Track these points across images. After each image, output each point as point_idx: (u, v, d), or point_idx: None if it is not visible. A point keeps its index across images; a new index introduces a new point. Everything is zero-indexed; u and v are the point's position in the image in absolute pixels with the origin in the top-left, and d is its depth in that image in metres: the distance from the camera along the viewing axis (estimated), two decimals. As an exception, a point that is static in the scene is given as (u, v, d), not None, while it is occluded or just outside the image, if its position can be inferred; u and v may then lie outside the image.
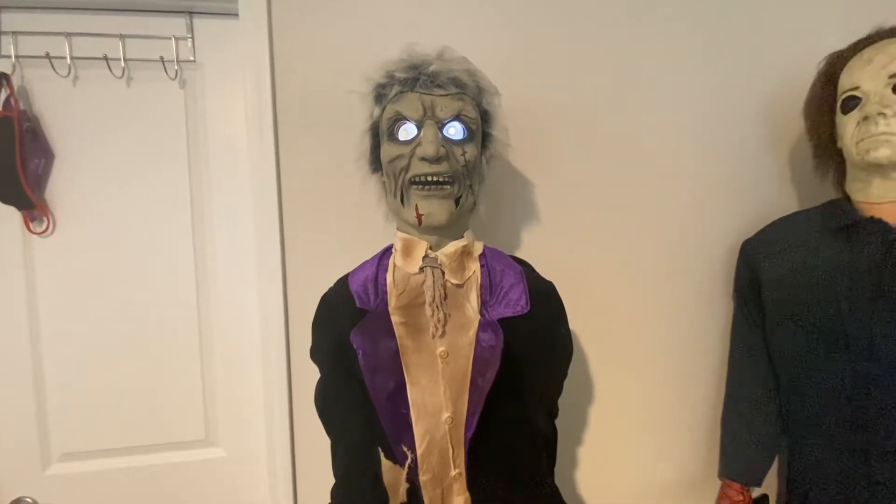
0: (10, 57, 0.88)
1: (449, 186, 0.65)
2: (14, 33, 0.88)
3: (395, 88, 0.66)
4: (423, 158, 0.63)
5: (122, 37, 0.91)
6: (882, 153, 0.74)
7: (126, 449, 0.97)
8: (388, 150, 0.67)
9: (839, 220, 0.82)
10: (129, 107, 0.94)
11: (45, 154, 0.91)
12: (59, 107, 0.92)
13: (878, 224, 0.77)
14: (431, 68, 0.64)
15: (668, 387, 1.06)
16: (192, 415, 0.99)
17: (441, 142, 0.64)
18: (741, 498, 0.97)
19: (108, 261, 0.95)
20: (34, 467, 0.94)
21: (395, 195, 0.68)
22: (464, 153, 0.66)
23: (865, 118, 0.76)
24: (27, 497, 0.94)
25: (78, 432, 0.96)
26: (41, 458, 0.95)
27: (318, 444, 0.93)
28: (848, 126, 0.79)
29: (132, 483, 0.98)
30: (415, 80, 0.65)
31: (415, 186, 0.65)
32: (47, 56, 0.88)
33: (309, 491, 0.96)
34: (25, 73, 0.90)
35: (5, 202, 0.88)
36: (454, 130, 0.66)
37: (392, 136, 0.66)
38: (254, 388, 0.99)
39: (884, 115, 0.73)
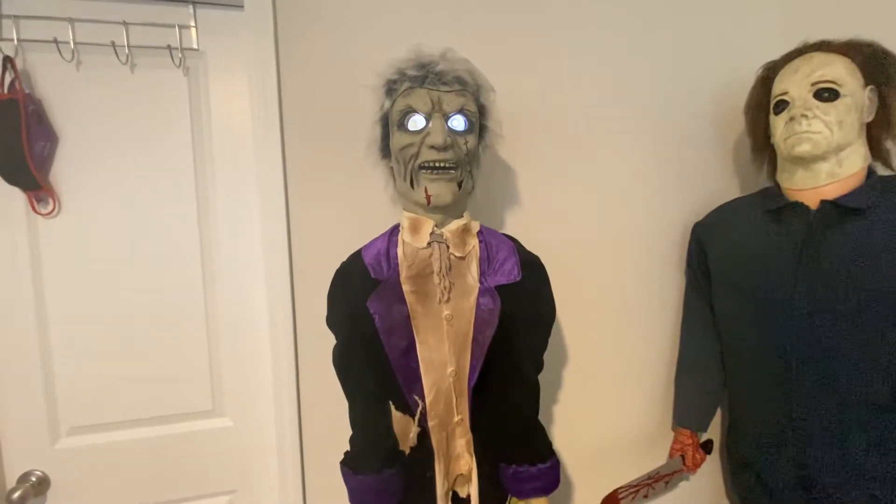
0: (12, 40, 0.89)
1: (453, 171, 0.75)
2: (15, 17, 0.90)
3: (406, 84, 0.74)
4: (431, 147, 0.73)
5: (125, 24, 0.94)
6: (804, 148, 0.88)
7: (134, 421, 1.01)
8: (399, 139, 0.76)
9: (770, 203, 0.98)
10: (132, 92, 0.97)
11: (50, 137, 0.93)
12: (62, 91, 0.93)
13: (800, 207, 0.93)
14: (438, 67, 0.73)
15: (631, 349, 1.21)
16: (199, 385, 1.04)
17: (447, 132, 0.73)
18: (690, 442, 1.14)
19: (114, 239, 0.98)
20: (43, 441, 0.97)
21: (404, 179, 0.77)
22: (465, 143, 0.76)
23: (792, 118, 0.90)
24: (37, 471, 0.97)
25: (86, 406, 0.99)
26: (50, 432, 0.97)
27: (324, 412, 1.02)
28: (778, 125, 0.94)
29: (141, 455, 1.02)
30: (423, 77, 0.74)
31: (424, 171, 0.74)
32: (54, 41, 0.90)
33: (316, 459, 1.03)
34: (28, 58, 0.92)
35: (11, 183, 0.90)
36: (458, 122, 0.75)
37: (403, 126, 0.75)
38: (260, 357, 1.05)
39: (806, 116, 0.88)
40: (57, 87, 0.93)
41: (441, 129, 0.72)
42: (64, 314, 0.97)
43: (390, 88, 0.76)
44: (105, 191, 0.97)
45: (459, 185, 0.77)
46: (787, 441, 0.94)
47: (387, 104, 0.77)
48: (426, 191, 0.74)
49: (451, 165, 0.74)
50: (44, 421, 0.97)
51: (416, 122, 0.74)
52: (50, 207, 0.95)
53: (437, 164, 0.73)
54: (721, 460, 1.24)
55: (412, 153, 0.74)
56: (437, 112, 0.74)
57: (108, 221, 0.97)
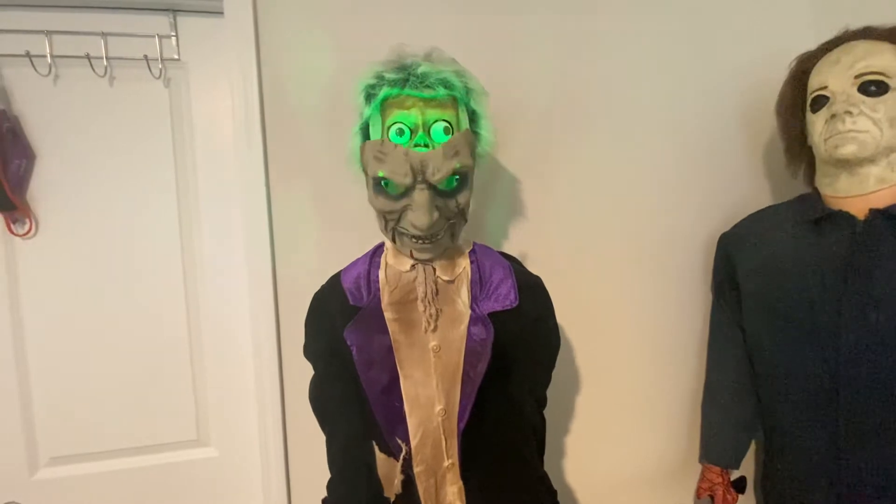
0: (-14, 55, 0.87)
1: (440, 236, 0.66)
2: (-10, 31, 0.87)
3: (385, 88, 0.67)
4: (414, 226, 0.63)
5: (104, 35, 0.90)
6: (849, 149, 0.77)
7: (116, 451, 0.97)
8: (377, 202, 0.67)
9: (809, 213, 0.86)
10: (112, 106, 0.93)
11: (27, 155, 0.89)
12: (39, 106, 0.90)
13: (845, 217, 0.81)
14: (421, 69, 0.65)
15: (651, 376, 1.10)
16: (183, 415, 0.99)
17: (434, 208, 0.63)
18: (720, 480, 1.02)
19: (94, 262, 0.94)
20: (21, 472, 0.93)
21: (384, 231, 0.69)
22: (457, 204, 0.67)
23: (833, 116, 0.79)
24: (14, 503, 0.93)
25: (66, 436, 0.95)
26: (28, 462, 0.93)
27: (310, 441, 0.94)
28: (817, 124, 0.83)
29: (123, 486, 0.97)
30: (404, 80, 0.65)
31: (406, 237, 0.66)
32: (27, 55, 0.86)
33: (302, 488, 0.97)
34: (3, 73, 0.88)
35: (-14, 204, 0.87)
36: (449, 183, 0.65)
37: (380, 190, 0.66)
38: (245, 385, 0.99)
39: (850, 113, 0.77)
40: (33, 102, 0.90)
41: (426, 211, 0.61)
42: (42, 340, 0.93)
43: (369, 94, 0.69)
44: (85, 209, 0.93)
45: (451, 237, 0.69)
46: (834, 483, 0.82)
47: (366, 111, 0.69)
48: (412, 253, 0.68)
49: (439, 233, 0.66)
50: (22, 451, 0.93)
51: (395, 187, 0.65)
52: (27, 228, 0.91)
53: (422, 237, 0.65)
54: (756, 501, 1.11)
55: (393, 218, 0.66)
56: (420, 184, 0.62)
57: (88, 241, 0.93)
